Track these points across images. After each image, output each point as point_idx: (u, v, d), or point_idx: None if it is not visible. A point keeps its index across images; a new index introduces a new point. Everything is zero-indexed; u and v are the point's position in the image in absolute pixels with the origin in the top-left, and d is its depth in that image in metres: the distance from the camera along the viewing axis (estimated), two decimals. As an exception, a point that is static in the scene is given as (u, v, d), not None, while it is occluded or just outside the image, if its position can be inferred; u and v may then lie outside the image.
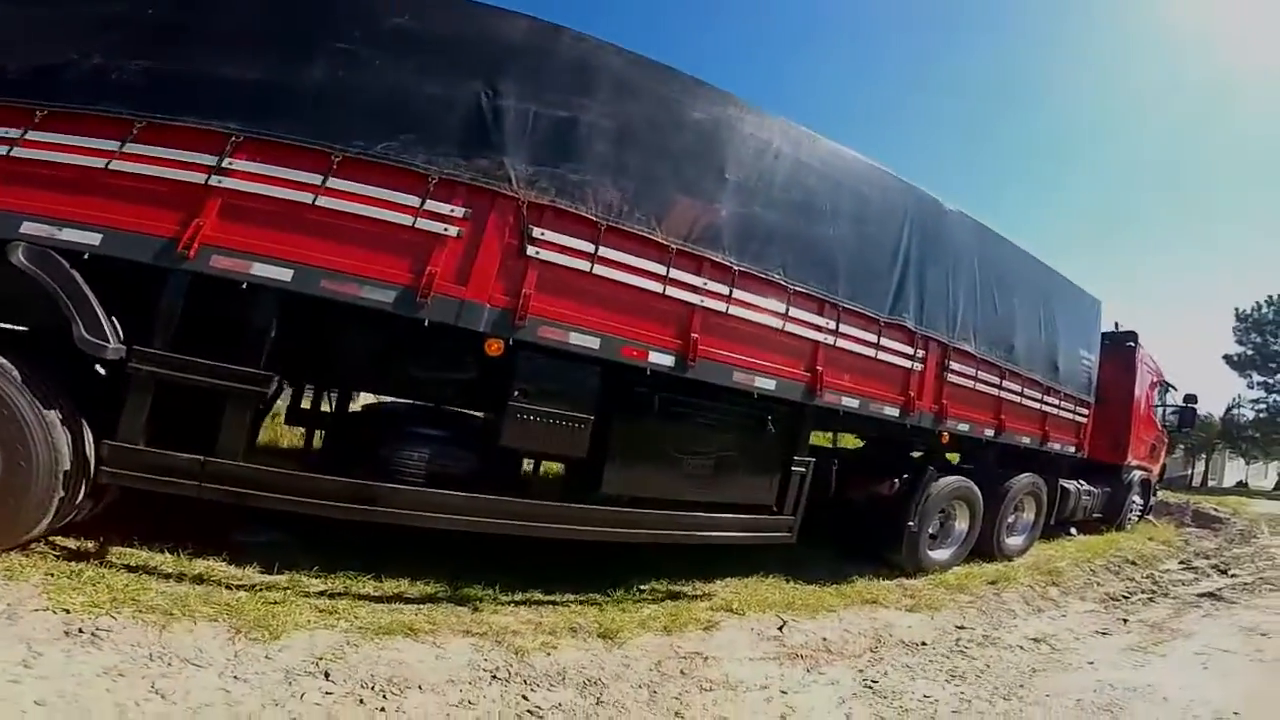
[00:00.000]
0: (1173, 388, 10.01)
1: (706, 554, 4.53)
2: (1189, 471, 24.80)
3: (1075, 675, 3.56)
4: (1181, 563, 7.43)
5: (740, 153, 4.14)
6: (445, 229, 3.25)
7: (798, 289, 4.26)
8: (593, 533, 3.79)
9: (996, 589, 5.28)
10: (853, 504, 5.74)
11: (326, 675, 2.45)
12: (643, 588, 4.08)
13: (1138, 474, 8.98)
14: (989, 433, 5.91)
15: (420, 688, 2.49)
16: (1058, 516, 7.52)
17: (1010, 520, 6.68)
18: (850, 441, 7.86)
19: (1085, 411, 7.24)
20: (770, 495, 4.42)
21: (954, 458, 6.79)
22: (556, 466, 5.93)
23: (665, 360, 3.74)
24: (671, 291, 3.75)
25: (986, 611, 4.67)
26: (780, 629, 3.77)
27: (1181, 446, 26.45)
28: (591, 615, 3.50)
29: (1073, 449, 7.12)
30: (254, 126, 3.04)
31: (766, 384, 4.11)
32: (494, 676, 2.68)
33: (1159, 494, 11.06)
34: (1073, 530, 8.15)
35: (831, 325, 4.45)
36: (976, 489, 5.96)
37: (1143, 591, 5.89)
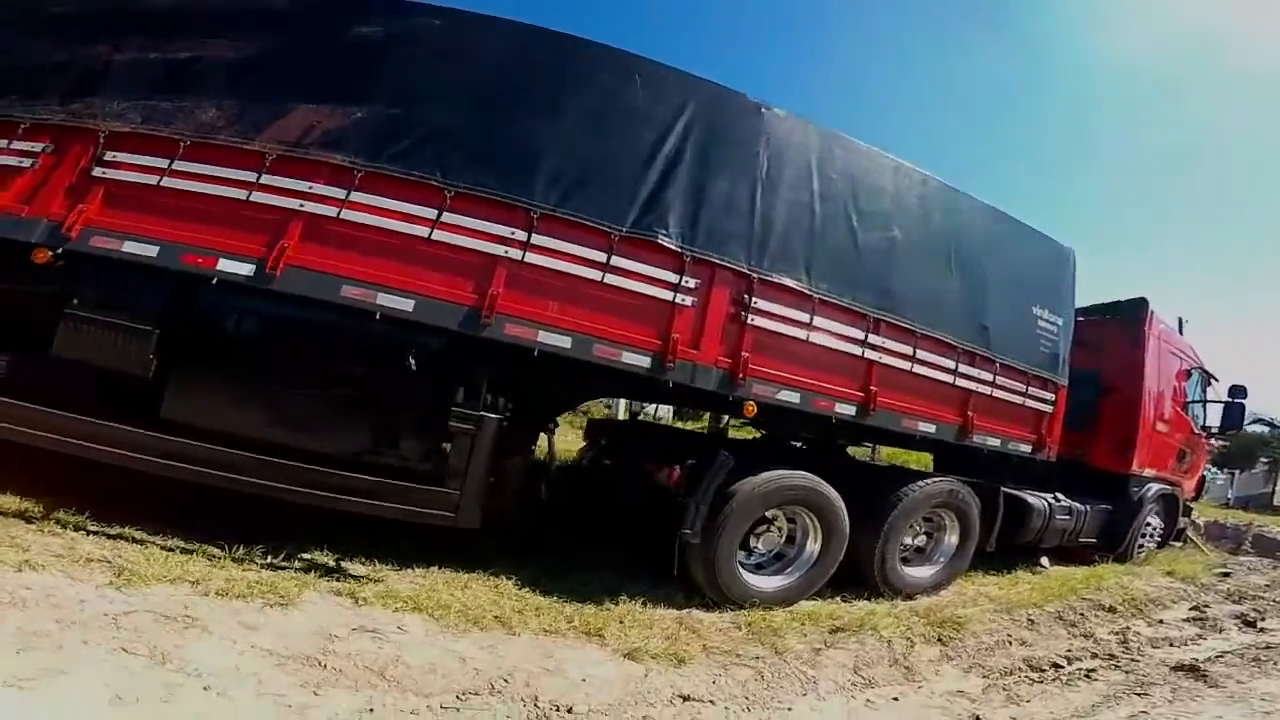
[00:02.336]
0: (1214, 378, 7.50)
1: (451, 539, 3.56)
2: (1271, 488, 20.27)
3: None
4: (1194, 609, 5.21)
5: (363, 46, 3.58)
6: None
7: (461, 192, 3.38)
8: (145, 462, 3.15)
9: (829, 641, 3.53)
10: (629, 501, 4.16)
11: None
12: (308, 556, 3.42)
13: (1155, 487, 6.64)
14: (845, 409, 4.09)
15: None
16: (1011, 540, 5.49)
17: (908, 542, 4.80)
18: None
19: (1048, 396, 5.19)
20: (426, 460, 3.38)
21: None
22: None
23: (241, 269, 3.20)
24: (262, 198, 3.28)
25: (763, 678, 2.96)
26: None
27: (1264, 461, 21.75)
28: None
29: (1027, 446, 5.10)
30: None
31: (399, 304, 3.25)
32: None
33: (1195, 514, 8.40)
34: (1044, 561, 6.01)
35: (522, 237, 3.42)
36: (832, 493, 4.15)
37: (1093, 657, 3.91)
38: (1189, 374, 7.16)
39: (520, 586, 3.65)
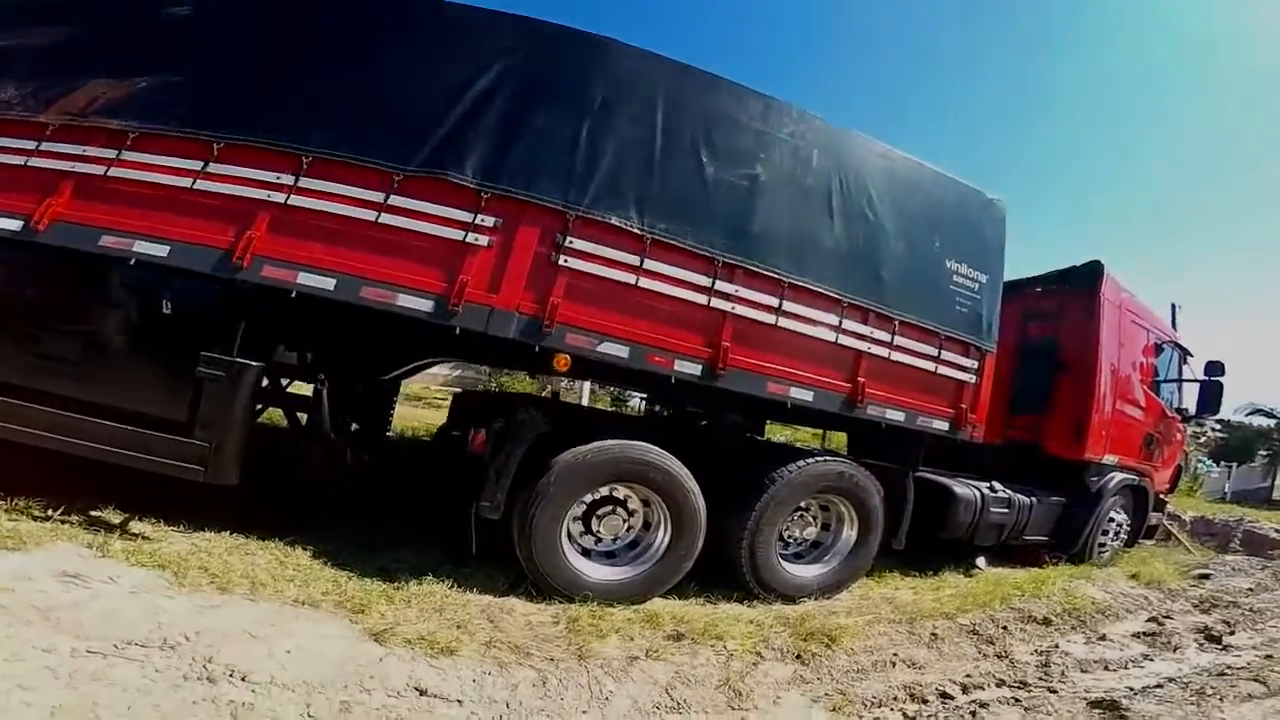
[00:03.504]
0: (1189, 354, 6.52)
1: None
2: (1270, 482, 18.85)
3: None
4: (1151, 621, 4.25)
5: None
6: None
7: (226, 141, 3.19)
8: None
9: (656, 649, 2.77)
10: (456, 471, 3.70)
11: None
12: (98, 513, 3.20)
13: (1117, 478, 5.68)
14: (688, 368, 3.41)
15: None
16: (936, 536, 4.61)
17: (798, 535, 3.98)
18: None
19: (968, 362, 4.28)
20: (177, 408, 3.06)
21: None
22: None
23: (10, 225, 3.08)
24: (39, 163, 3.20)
25: (544, 685, 2.33)
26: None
27: (1263, 454, 20.32)
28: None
29: (942, 423, 4.18)
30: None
31: (154, 250, 3.06)
32: None
33: (1179, 510, 7.40)
34: (980, 562, 5.08)
35: (288, 181, 3.16)
36: (677, 470, 3.38)
37: (998, 685, 3.00)
38: (1159, 349, 6.19)
39: (316, 557, 3.27)
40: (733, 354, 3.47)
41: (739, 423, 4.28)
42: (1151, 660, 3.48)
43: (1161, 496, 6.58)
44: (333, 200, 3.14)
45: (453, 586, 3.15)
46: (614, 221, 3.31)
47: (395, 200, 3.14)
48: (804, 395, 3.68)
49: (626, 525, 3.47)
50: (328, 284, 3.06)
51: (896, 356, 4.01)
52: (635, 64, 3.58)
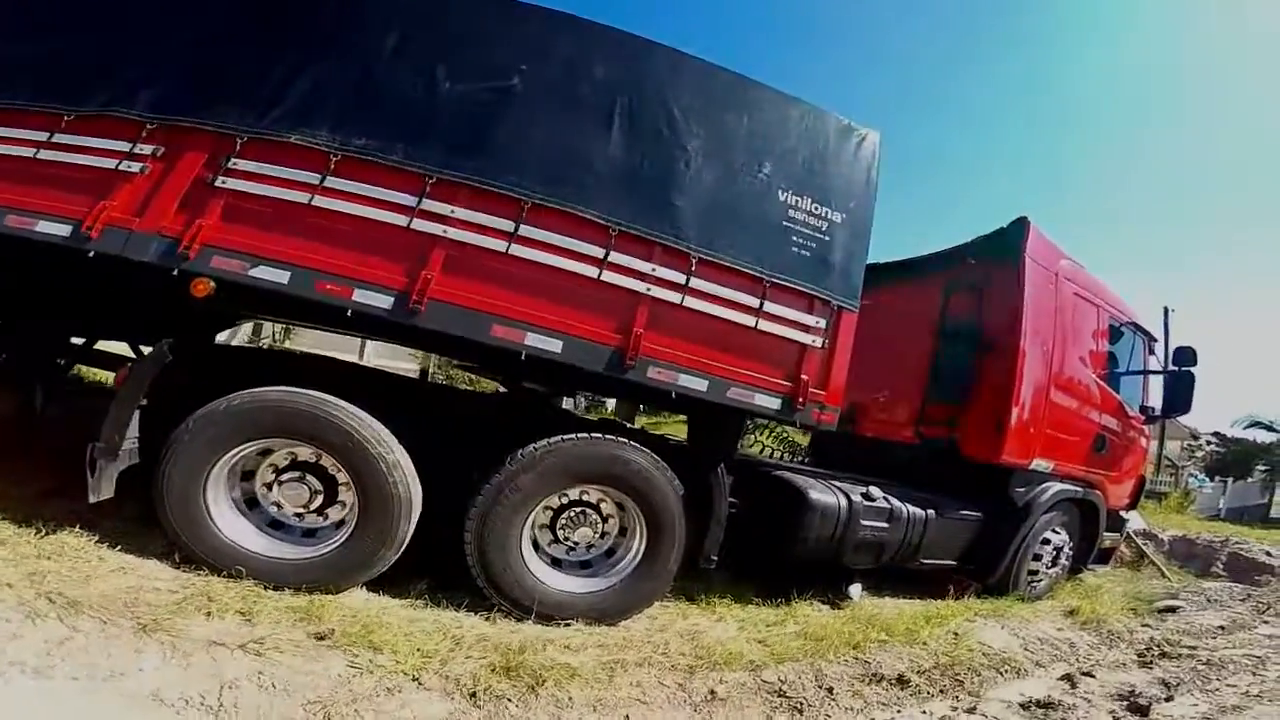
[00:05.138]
0: (1153, 340, 5.24)
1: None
2: (1268, 499, 16.84)
3: None
4: (1063, 680, 3.00)
5: None
6: None
7: None
8: None
9: (230, 637, 2.01)
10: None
11: None
12: None
13: (1053, 489, 4.41)
14: (376, 299, 2.65)
15: None
16: (777, 552, 3.48)
17: (570, 538, 2.99)
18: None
19: (808, 320, 3.15)
20: None
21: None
22: None
23: None
24: None
25: None
26: None
27: (1262, 469, 18.24)
28: None
29: (769, 398, 3.05)
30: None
31: None
32: None
33: (1145, 526, 6.02)
34: (853, 590, 3.84)
35: None
36: (373, 435, 2.63)
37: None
38: (1116, 333, 4.94)
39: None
40: (439, 285, 2.67)
41: (544, 394, 3.44)
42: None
43: (1121, 514, 5.26)
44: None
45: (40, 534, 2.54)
46: (293, 140, 2.72)
47: (62, 138, 2.75)
48: (548, 344, 2.76)
49: (306, 498, 2.67)
50: None
51: (694, 304, 2.95)
52: None
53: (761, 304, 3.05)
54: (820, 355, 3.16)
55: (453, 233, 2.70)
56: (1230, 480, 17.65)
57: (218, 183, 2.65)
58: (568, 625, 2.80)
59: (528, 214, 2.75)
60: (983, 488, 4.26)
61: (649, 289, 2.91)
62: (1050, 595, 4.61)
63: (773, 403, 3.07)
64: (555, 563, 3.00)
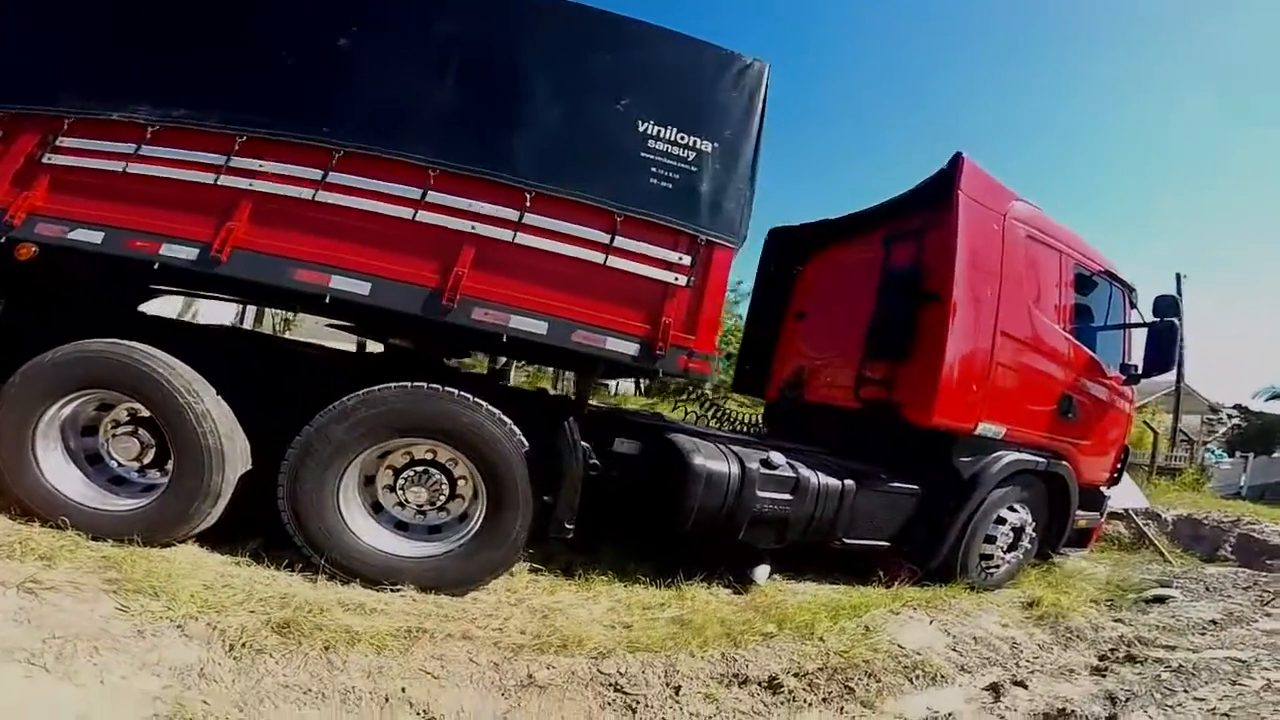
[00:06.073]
0: (1129, 290, 4.53)
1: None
2: None
3: None
4: (987, 691, 2.43)
5: None
6: None
7: None
8: None
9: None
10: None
11: None
12: None
13: (1008, 459, 3.76)
14: (178, 251, 2.60)
15: None
16: (659, 521, 3.01)
17: (410, 499, 2.75)
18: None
19: (671, 256, 2.66)
20: None
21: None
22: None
23: None
24: None
25: None
26: None
27: None
28: None
29: (624, 343, 2.62)
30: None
31: None
32: None
33: (1147, 504, 5.28)
34: (758, 572, 3.28)
35: None
36: (186, 386, 2.56)
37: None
38: (1087, 283, 4.27)
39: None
40: (243, 235, 2.62)
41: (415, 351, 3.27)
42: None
43: (1102, 490, 4.57)
44: None
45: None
46: (115, 117, 2.75)
47: None
48: (354, 287, 2.59)
49: (137, 451, 2.66)
50: None
51: (529, 240, 2.59)
52: None
53: (612, 240, 2.65)
54: (687, 295, 2.70)
55: (259, 185, 2.64)
56: (1252, 455, 16.28)
57: (47, 159, 2.70)
58: (396, 591, 2.51)
59: (338, 163, 2.63)
60: (926, 458, 3.68)
61: (474, 227, 2.61)
62: (1013, 583, 3.98)
63: (629, 348, 2.64)
64: (400, 526, 2.76)
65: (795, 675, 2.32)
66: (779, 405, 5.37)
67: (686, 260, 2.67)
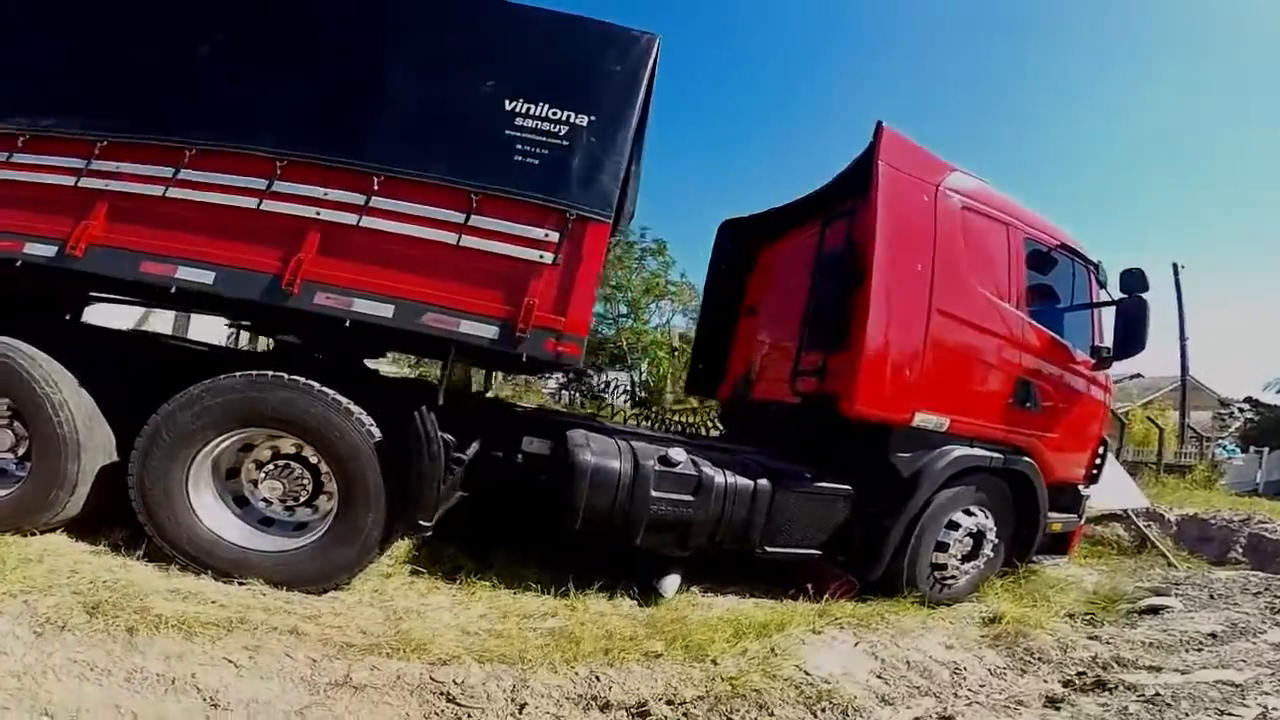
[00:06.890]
0: (1093, 266, 4.14)
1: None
2: None
3: None
4: None
5: None
6: None
7: None
8: None
9: None
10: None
11: None
12: None
13: (954, 454, 3.37)
14: (39, 249, 2.63)
15: None
16: (553, 521, 2.74)
17: (266, 494, 2.66)
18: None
19: (541, 235, 2.48)
20: None
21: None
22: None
23: None
24: None
25: None
26: None
27: None
28: None
29: (487, 326, 2.46)
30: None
31: None
32: None
33: (1146, 503, 4.72)
34: (665, 583, 2.93)
35: None
36: (41, 374, 2.57)
37: None
38: (1043, 259, 3.92)
39: None
40: (97, 232, 2.64)
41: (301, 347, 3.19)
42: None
43: (1080, 489, 4.10)
44: None
45: None
46: None
47: None
48: (199, 276, 2.58)
49: (9, 441, 2.65)
50: None
51: (374, 224, 2.49)
52: None
53: (467, 219, 2.50)
54: (556, 274, 2.50)
55: (115, 185, 2.66)
56: (1267, 450, 15.07)
57: None
58: (244, 585, 2.42)
59: (190, 160, 2.64)
60: (864, 455, 3.32)
61: (319, 213, 2.53)
62: (977, 596, 3.54)
63: (487, 330, 2.48)
64: (265, 521, 2.66)
65: (668, 702, 1.99)
66: (731, 405, 5.06)
67: (554, 237, 2.49)
